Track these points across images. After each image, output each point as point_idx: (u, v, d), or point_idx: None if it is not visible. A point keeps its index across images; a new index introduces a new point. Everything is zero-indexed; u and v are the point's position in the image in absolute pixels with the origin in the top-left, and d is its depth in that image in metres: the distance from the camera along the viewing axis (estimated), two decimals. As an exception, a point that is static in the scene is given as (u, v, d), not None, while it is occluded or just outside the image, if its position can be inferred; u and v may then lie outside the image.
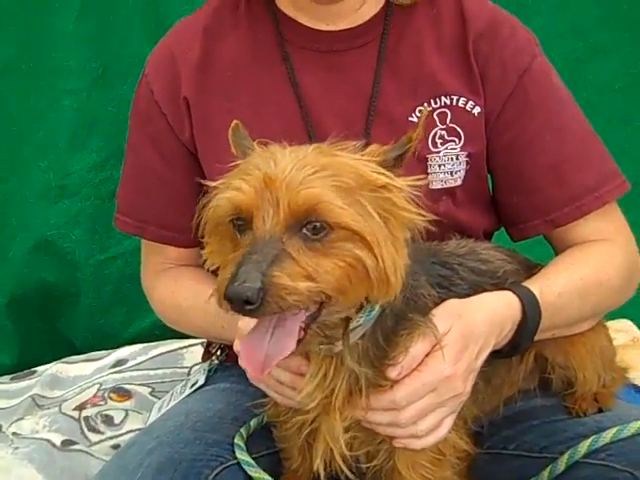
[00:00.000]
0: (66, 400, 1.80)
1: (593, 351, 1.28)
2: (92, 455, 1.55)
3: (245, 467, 1.16)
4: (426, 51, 1.31)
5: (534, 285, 1.21)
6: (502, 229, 1.44)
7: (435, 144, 1.30)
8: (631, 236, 1.37)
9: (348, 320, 1.01)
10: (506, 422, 1.29)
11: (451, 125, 1.30)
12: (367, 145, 1.00)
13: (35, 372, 2.00)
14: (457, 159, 1.31)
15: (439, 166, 1.31)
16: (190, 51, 1.34)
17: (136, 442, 1.19)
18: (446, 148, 1.31)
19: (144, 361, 2.00)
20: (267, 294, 0.87)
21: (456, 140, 1.31)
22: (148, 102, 1.37)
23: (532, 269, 1.28)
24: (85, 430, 1.66)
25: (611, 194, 1.33)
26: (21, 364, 2.08)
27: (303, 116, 1.30)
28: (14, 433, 1.66)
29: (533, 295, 1.19)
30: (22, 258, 2.13)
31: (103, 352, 2.07)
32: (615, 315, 1.35)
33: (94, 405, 1.77)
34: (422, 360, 1.06)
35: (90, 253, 2.16)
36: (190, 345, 2.03)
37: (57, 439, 1.59)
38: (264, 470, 1.16)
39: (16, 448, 1.56)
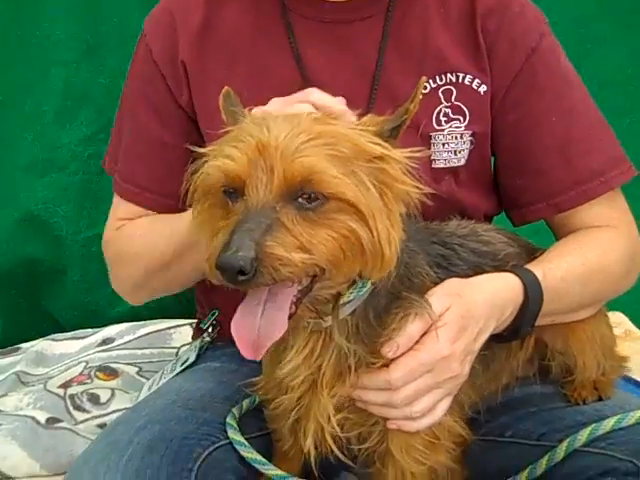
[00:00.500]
0: (51, 377, 1.77)
1: (593, 338, 1.27)
2: (77, 433, 1.52)
3: (237, 447, 1.13)
4: (432, 26, 1.29)
5: (537, 268, 1.19)
6: (502, 215, 1.42)
7: (439, 122, 1.28)
8: (634, 224, 1.36)
9: (339, 296, 0.99)
10: (503, 409, 1.27)
11: (456, 103, 1.28)
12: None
13: (20, 349, 1.96)
14: (461, 138, 1.29)
15: (443, 144, 1.28)
16: (190, 15, 1.31)
17: (125, 419, 1.16)
18: (450, 126, 1.28)
19: (131, 340, 1.97)
20: (261, 264, 0.85)
21: (461, 118, 1.28)
22: (147, 62, 1.33)
23: (534, 253, 1.26)
24: (70, 408, 1.63)
25: (617, 179, 1.31)
26: (5, 340, 2.04)
27: (304, 87, 1.26)
28: (-3, 409, 1.63)
29: (536, 278, 1.17)
30: (7, 232, 2.08)
31: (90, 330, 2.03)
32: (608, 308, 1.34)
33: (80, 383, 1.73)
34: (419, 339, 1.04)
35: (78, 229, 2.11)
36: (178, 325, 2.00)
37: (42, 416, 1.56)
38: (257, 452, 1.13)
39: (-1, 425, 1.53)
